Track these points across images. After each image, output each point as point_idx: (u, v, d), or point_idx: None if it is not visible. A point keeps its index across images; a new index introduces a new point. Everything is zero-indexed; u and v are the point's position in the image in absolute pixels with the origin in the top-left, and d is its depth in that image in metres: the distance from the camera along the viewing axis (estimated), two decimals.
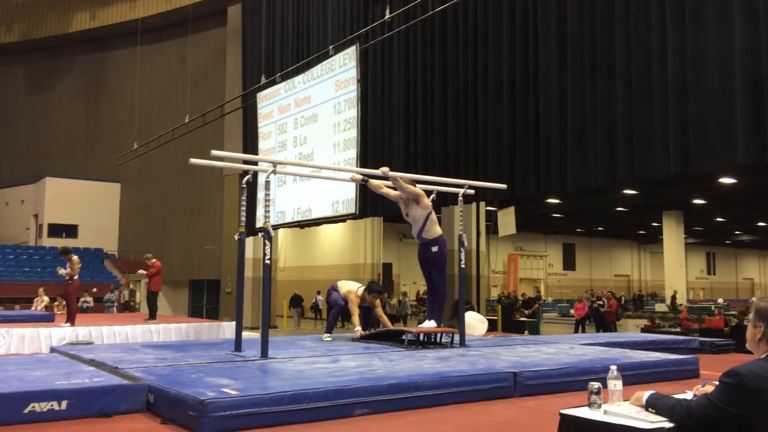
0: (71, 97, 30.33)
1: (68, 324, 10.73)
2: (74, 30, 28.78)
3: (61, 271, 10.97)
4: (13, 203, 30.52)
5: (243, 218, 6.12)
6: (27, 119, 30.46)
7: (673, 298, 27.08)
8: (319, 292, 24.69)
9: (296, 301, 23.53)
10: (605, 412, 2.71)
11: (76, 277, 10.83)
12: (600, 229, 39.42)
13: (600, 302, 18.18)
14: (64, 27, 28.88)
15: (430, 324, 6.90)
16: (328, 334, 7.65)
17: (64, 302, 13.84)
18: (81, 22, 28.63)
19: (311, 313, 25.48)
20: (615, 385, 2.87)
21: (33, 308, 16.10)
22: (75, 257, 10.93)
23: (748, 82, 7.80)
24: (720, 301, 29.91)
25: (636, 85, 9.07)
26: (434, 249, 6.79)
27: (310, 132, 14.51)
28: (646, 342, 7.83)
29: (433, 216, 6.89)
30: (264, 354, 5.54)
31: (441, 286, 6.93)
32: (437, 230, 6.85)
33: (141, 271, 13.04)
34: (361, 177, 7.16)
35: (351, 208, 13.14)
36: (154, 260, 12.77)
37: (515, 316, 18.44)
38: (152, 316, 12.57)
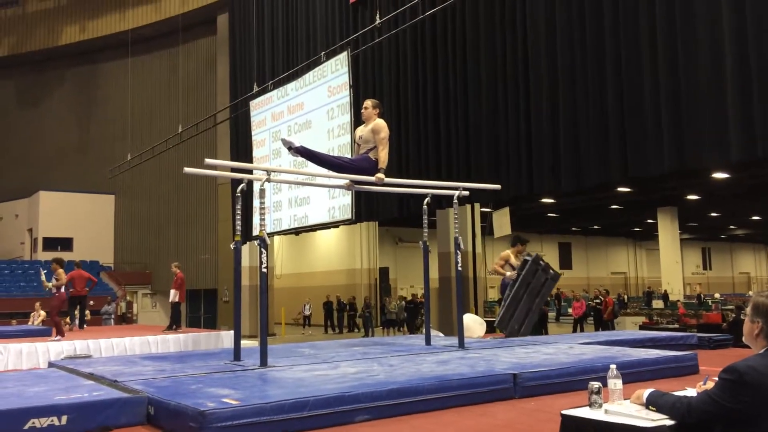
0: (63, 110, 30.24)
1: (58, 337, 10.65)
2: (64, 43, 28.72)
3: (47, 285, 11.01)
4: (7, 218, 30.40)
5: (238, 227, 6.09)
6: (19, 133, 30.36)
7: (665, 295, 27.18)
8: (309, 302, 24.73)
9: None
10: (606, 411, 2.72)
11: (63, 290, 10.85)
12: (595, 227, 39.42)
13: (597, 301, 18.17)
14: (54, 40, 28.82)
15: None
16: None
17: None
18: (71, 34, 28.59)
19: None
20: (615, 383, 2.87)
21: (30, 323, 16.01)
22: (61, 271, 10.94)
23: (739, 78, 7.84)
24: (717, 296, 29.89)
25: (627, 83, 9.11)
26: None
27: (304, 138, 14.49)
28: (645, 339, 7.84)
29: None
30: (263, 362, 5.52)
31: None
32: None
33: (174, 290, 12.91)
34: (352, 183, 7.08)
35: (347, 214, 13.13)
36: (178, 271, 12.81)
37: None
38: (176, 325, 12.78)
